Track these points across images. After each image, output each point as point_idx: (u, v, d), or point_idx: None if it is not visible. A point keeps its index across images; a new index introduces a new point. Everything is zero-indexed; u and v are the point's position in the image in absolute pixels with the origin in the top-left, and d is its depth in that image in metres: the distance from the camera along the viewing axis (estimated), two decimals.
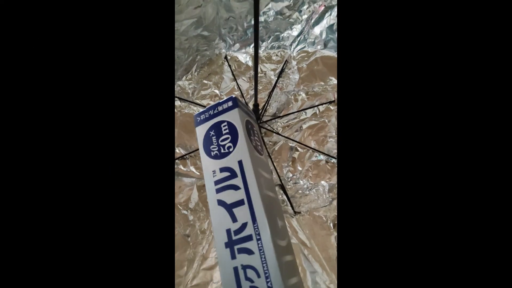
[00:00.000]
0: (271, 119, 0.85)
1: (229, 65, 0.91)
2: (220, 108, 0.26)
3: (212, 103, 0.88)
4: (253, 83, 0.92)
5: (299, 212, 0.71)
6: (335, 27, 0.92)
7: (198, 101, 0.88)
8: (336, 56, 0.93)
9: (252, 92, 0.90)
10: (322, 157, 0.78)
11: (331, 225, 0.68)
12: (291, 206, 0.71)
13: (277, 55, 0.96)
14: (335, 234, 0.66)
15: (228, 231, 0.22)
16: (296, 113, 0.85)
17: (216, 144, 0.25)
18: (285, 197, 0.73)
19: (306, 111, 0.85)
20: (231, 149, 0.24)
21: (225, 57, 0.96)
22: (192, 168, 0.78)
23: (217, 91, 0.90)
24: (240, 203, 0.22)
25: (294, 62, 0.94)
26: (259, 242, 0.20)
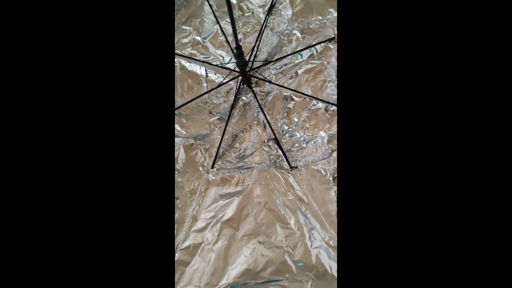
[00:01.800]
0: (261, 65, 0.75)
1: (210, 5, 0.78)
2: None
3: (194, 52, 0.78)
4: (240, 25, 0.80)
5: (296, 167, 0.64)
6: None
7: (178, 51, 0.78)
8: None
9: (239, 36, 0.78)
10: (320, 104, 0.69)
11: (331, 178, 0.62)
12: (287, 161, 0.65)
13: None
14: (335, 188, 0.61)
15: None
16: (290, 57, 0.74)
17: None
18: (280, 152, 0.66)
19: (302, 53, 0.74)
20: None
21: None
22: (178, 127, 0.71)
23: (198, 38, 0.79)
24: None
25: None
26: None
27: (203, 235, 0.58)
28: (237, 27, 0.79)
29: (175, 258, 0.56)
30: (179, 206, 0.62)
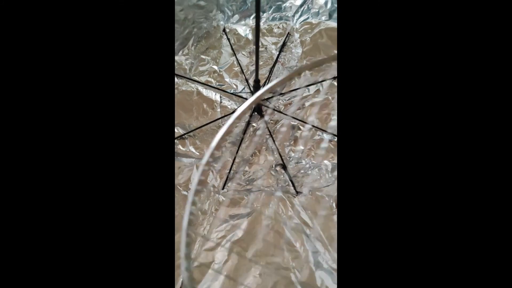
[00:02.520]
0: (272, 96, 0.81)
1: (228, 39, 0.86)
2: None
3: (211, 80, 0.84)
4: (254, 58, 0.87)
5: (301, 192, 0.69)
6: None
7: (196, 78, 0.84)
8: None
9: (252, 68, 0.86)
10: (325, 135, 0.75)
11: (334, 204, 0.67)
12: (293, 186, 0.69)
13: (278, 27, 0.90)
14: None
15: None
16: (298, 90, 0.81)
17: None
18: (287, 177, 0.71)
19: (309, 87, 0.81)
20: None
21: (224, 30, 0.90)
22: (192, 148, 0.75)
23: (215, 67, 0.86)
24: None
25: (296, 35, 0.88)
26: None
27: (214, 254, 0.61)
28: (251, 60, 0.86)
29: None
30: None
